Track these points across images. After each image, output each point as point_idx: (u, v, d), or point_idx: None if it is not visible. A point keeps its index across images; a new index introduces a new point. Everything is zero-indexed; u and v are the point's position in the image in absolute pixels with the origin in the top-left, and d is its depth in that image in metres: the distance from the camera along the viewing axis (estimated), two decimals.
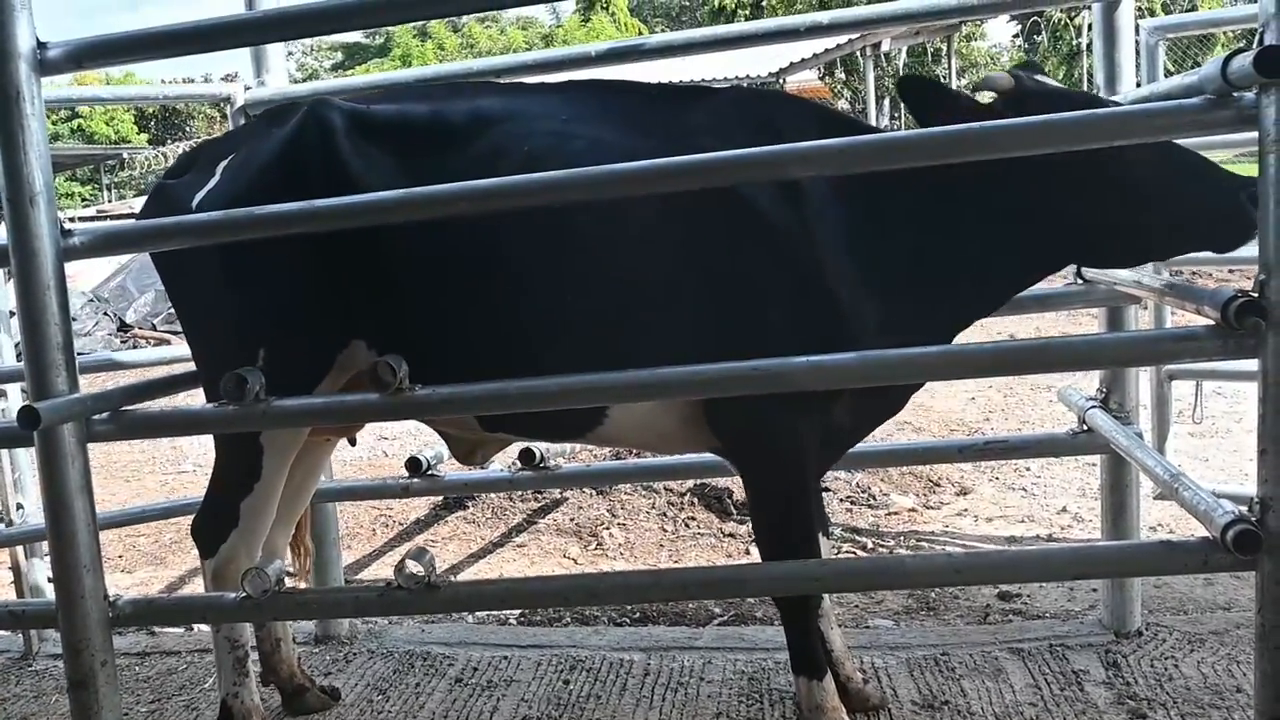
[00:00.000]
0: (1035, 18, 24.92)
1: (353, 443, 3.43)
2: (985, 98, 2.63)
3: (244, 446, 2.90)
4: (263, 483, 2.93)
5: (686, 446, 3.12)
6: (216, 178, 2.87)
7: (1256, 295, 2.08)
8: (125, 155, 36.90)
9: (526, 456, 3.61)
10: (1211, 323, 2.19)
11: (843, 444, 2.95)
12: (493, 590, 2.79)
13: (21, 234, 2.55)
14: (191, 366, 3.17)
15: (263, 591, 2.67)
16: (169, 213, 2.82)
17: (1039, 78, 2.67)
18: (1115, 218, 2.53)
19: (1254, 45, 1.96)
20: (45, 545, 3.94)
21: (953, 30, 24.64)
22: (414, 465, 3.68)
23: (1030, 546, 4.46)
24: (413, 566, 2.62)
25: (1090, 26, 24.14)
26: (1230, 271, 5.94)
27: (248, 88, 3.71)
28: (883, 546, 4.86)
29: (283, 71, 3.76)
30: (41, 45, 2.57)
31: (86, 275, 15.15)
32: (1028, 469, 5.80)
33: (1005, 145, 2.26)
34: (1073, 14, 25.37)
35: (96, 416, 2.68)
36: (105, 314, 13.55)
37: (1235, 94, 2.06)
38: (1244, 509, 2.20)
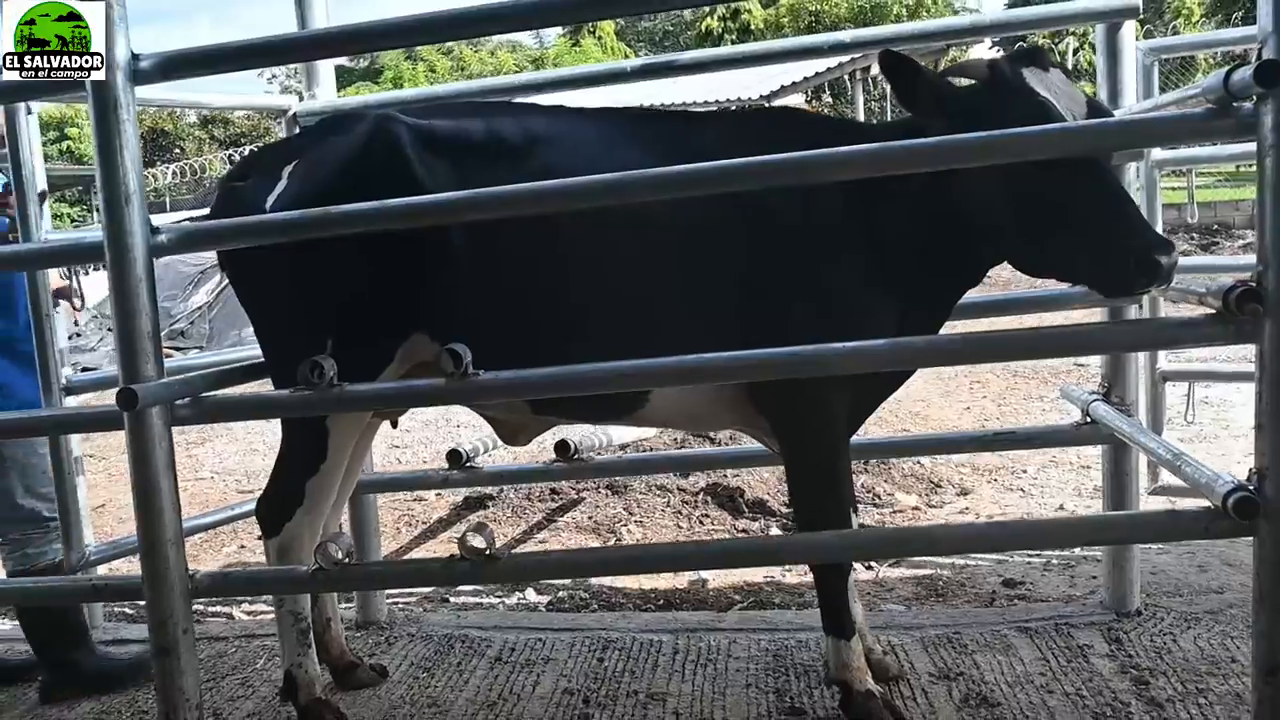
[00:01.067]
0: (1020, 43, 25.30)
1: (394, 425, 3.63)
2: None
3: (312, 430, 3.09)
4: (328, 463, 3.12)
5: (719, 425, 3.36)
6: (284, 181, 3.06)
7: (1255, 285, 2.32)
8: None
9: (561, 449, 3.82)
10: (1212, 312, 2.43)
11: (864, 412, 3.21)
12: (551, 560, 3.00)
13: (116, 231, 2.75)
14: None
15: (334, 564, 2.88)
16: (240, 213, 3.00)
17: (1029, 69, 2.76)
18: (1029, 233, 2.74)
19: (1255, 59, 2.20)
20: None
21: (940, 55, 25.05)
22: (454, 458, 3.88)
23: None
24: (474, 539, 2.83)
25: (1074, 51, 24.69)
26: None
27: (301, 99, 3.94)
28: None
29: (331, 86, 3.98)
30: (135, 57, 2.78)
31: (90, 292, 15.27)
32: (1024, 471, 6.05)
33: (1014, 151, 2.47)
34: (1057, 39, 25.81)
35: (179, 402, 2.88)
36: (109, 330, 13.65)
37: (1235, 104, 2.30)
38: (1243, 479, 2.45)
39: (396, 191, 2.79)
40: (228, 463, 8.13)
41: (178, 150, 43.27)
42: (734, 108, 19.28)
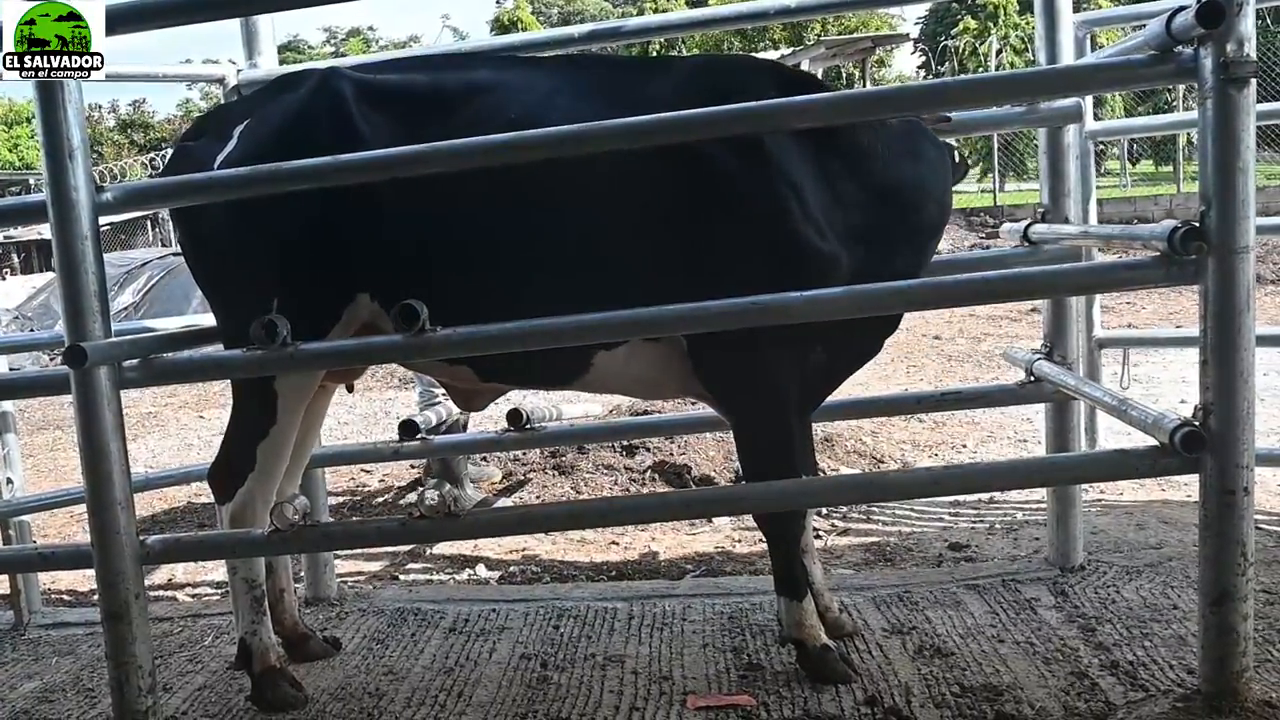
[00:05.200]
0: (945, 43, 25.84)
1: (350, 389, 3.58)
2: None
3: (261, 394, 3.05)
4: (278, 427, 3.07)
5: (666, 392, 3.37)
6: (234, 141, 3.03)
7: (1198, 225, 2.40)
8: (30, 181, 36.17)
9: (514, 418, 3.80)
10: (1157, 254, 2.51)
11: (824, 383, 3.19)
12: (509, 516, 2.99)
13: (60, 187, 2.70)
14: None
15: (289, 525, 2.85)
16: (190, 171, 2.96)
17: None
18: None
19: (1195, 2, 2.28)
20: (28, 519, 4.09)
21: (867, 55, 25.48)
22: (408, 429, 3.84)
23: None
24: (433, 497, 2.82)
25: (997, 52, 25.25)
26: None
27: (240, 70, 3.88)
28: (835, 514, 5.12)
29: (273, 54, 3.94)
30: None
31: (10, 296, 15.00)
32: (964, 445, 6.16)
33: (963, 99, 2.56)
34: (980, 39, 26.34)
35: (127, 363, 2.83)
36: (30, 332, 13.39)
37: (1176, 49, 2.38)
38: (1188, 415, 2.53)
39: (339, 147, 2.78)
40: (162, 458, 7.97)
41: (96, 154, 42.44)
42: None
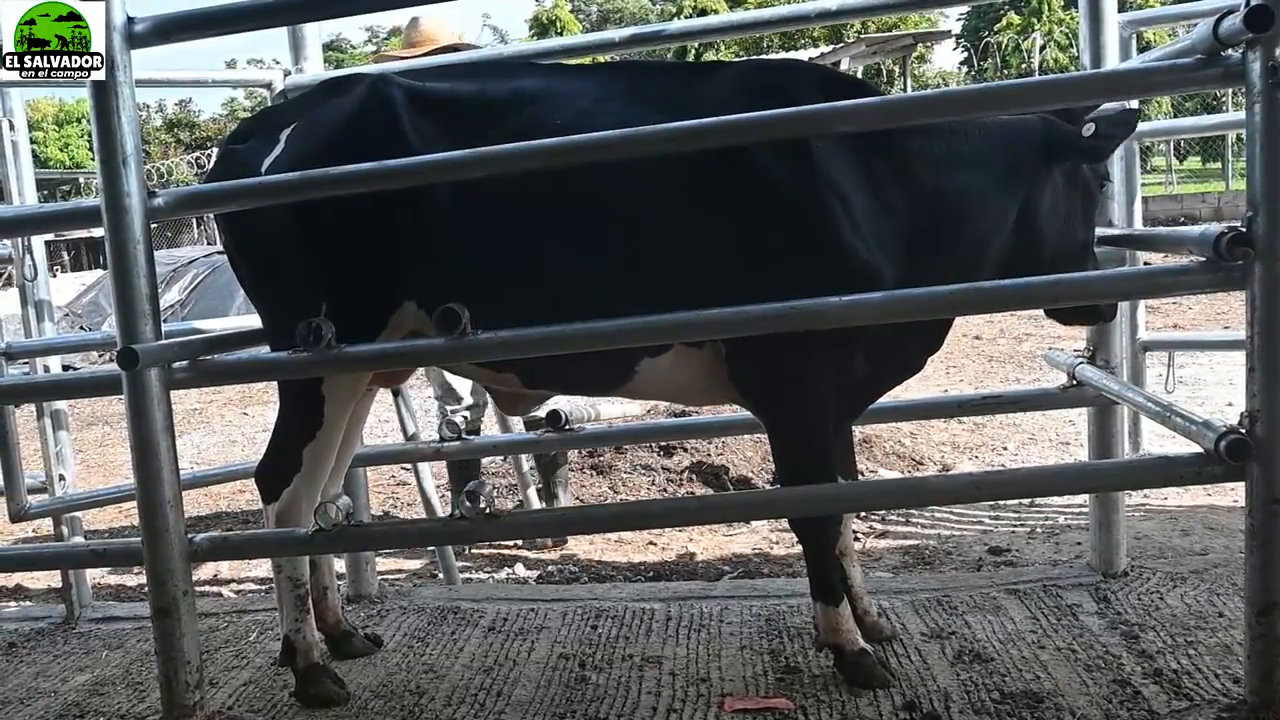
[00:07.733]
0: (988, 39, 25.64)
1: (395, 392, 3.62)
2: None
3: (307, 395, 3.08)
4: (324, 429, 3.12)
5: (709, 398, 3.37)
6: (281, 145, 3.06)
7: (1245, 229, 2.37)
8: (80, 180, 36.86)
9: (553, 419, 3.82)
10: (1203, 260, 2.48)
11: (862, 397, 3.20)
12: (549, 517, 3.02)
13: (114, 193, 2.76)
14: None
15: (333, 525, 2.89)
16: (236, 175, 3.00)
17: None
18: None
19: (1243, 5, 2.25)
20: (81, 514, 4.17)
21: (908, 51, 25.33)
22: (449, 428, 3.87)
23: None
24: (473, 499, 2.85)
25: (1041, 49, 25.03)
26: None
27: (287, 73, 3.93)
28: (873, 517, 5.11)
29: (319, 58, 3.98)
30: (131, 20, 2.79)
31: (61, 293, 15.28)
32: (1005, 448, 6.13)
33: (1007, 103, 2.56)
34: (1023, 35, 26.09)
35: (177, 364, 2.88)
36: (80, 329, 13.65)
37: (1224, 53, 2.36)
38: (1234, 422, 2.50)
39: (390, 154, 2.79)
40: (207, 454, 8.10)
41: (144, 154, 42.98)
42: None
